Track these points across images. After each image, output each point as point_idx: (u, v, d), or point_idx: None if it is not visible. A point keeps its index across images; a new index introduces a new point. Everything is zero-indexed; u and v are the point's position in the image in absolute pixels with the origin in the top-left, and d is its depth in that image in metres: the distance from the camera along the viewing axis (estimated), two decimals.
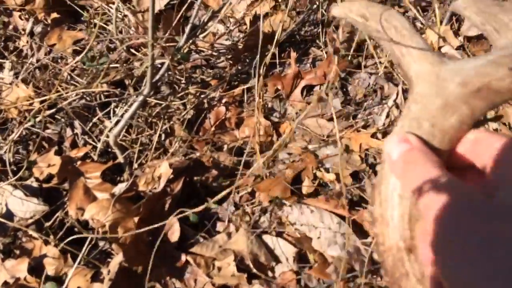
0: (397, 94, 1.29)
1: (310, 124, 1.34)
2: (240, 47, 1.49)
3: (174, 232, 1.15)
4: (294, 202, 1.17)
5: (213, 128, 1.36)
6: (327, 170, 1.24)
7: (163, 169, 1.21)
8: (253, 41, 1.35)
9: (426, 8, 1.53)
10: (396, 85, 1.33)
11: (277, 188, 1.17)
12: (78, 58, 1.25)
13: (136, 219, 1.13)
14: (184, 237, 1.16)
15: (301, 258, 1.10)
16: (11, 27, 1.66)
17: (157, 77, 1.18)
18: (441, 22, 1.44)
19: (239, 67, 1.48)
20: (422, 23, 1.47)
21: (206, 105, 1.41)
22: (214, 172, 1.30)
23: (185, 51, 1.29)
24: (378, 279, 1.03)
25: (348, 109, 1.34)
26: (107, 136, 1.22)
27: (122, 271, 1.04)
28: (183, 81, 1.41)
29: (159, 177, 1.21)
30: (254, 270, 1.05)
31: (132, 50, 1.46)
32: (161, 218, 1.16)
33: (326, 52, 1.43)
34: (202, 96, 1.40)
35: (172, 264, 1.12)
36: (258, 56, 1.25)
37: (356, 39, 1.38)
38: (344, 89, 1.39)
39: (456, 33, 1.43)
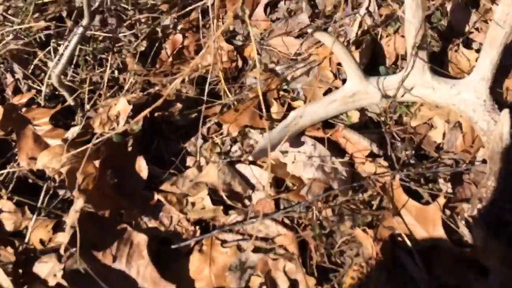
0: (369, 1, 1.19)
1: (277, 43, 1.24)
2: None
3: (141, 171, 1.06)
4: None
5: (170, 59, 1.24)
6: (297, 92, 1.16)
7: (121, 106, 1.10)
8: None
9: None
10: None
11: (244, 116, 1.08)
12: None
13: (96, 162, 1.04)
14: (153, 176, 1.08)
15: (278, 184, 1.03)
16: None
17: (96, 4, 1.04)
18: None
19: None
20: None
21: (160, 34, 1.28)
22: (178, 105, 1.20)
23: None
24: (360, 195, 0.98)
25: (317, 23, 1.23)
26: (50, 78, 1.09)
27: (88, 216, 0.96)
28: (130, 9, 1.26)
29: (117, 116, 1.10)
30: (228, 201, 0.99)
31: None
32: (124, 159, 1.08)
33: None
34: (154, 24, 1.26)
35: (144, 204, 1.04)
36: None
37: None
38: (312, 2, 1.28)
39: None
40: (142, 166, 1.05)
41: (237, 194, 1.03)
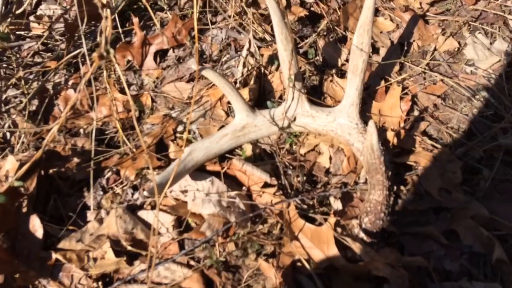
0: (250, 43, 1.28)
1: (170, 90, 1.28)
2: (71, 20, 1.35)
3: (36, 230, 1.02)
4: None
5: (64, 114, 1.23)
6: (193, 132, 1.20)
7: (9, 165, 1.06)
8: (87, 12, 1.23)
9: None
10: (247, 34, 1.32)
11: (142, 160, 1.10)
12: None
13: None
14: (50, 235, 1.04)
15: (181, 224, 1.05)
16: None
17: None
18: None
19: (80, 44, 1.35)
20: None
21: (51, 91, 1.27)
22: (74, 160, 1.18)
23: (5, 31, 1.13)
24: (260, 226, 1.02)
25: (205, 67, 1.29)
26: None
27: None
28: (20, 69, 1.25)
29: (6, 176, 1.06)
30: (129, 248, 0.98)
31: None
32: (17, 221, 1.04)
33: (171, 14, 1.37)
34: (43, 80, 1.25)
35: (42, 265, 0.99)
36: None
37: None
38: (200, 48, 1.34)
39: None
40: (36, 226, 1.01)
41: (140, 242, 1.03)
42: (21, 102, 1.25)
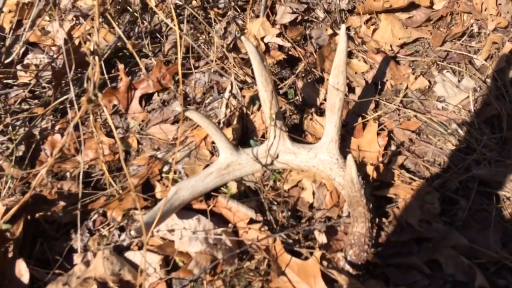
0: (232, 85, 1.34)
1: (155, 132, 1.32)
2: (58, 68, 1.40)
3: (22, 275, 1.01)
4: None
5: (50, 158, 1.24)
6: (179, 172, 1.22)
7: None
8: (75, 60, 1.28)
9: (244, 7, 1.63)
10: (229, 77, 1.38)
11: (128, 201, 1.11)
12: None
13: None
14: (36, 279, 1.03)
15: (168, 264, 1.05)
16: None
17: None
18: (257, 16, 1.54)
19: (67, 91, 1.39)
20: (243, 20, 1.56)
21: (38, 136, 1.29)
22: (61, 203, 1.18)
23: None
24: (247, 262, 1.03)
25: (190, 108, 1.34)
26: None
27: None
28: (7, 116, 1.27)
29: None
30: None
31: None
32: (4, 266, 1.03)
33: (155, 60, 1.43)
34: (30, 126, 1.27)
35: None
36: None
37: (183, 43, 1.41)
38: (184, 91, 1.39)
39: (274, 23, 1.55)
40: (22, 270, 1.00)
41: (128, 283, 1.02)
42: (7, 148, 1.26)
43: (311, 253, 1.02)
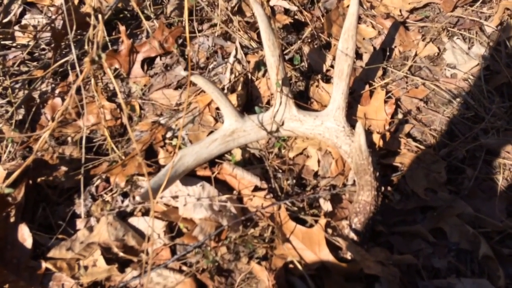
0: (236, 50, 1.30)
1: (158, 97, 1.29)
2: (57, 29, 1.35)
3: (25, 240, 1.01)
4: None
5: (52, 122, 1.22)
6: (183, 139, 1.20)
7: None
8: (74, 20, 1.23)
9: None
10: (234, 42, 1.34)
11: (132, 166, 1.10)
12: None
13: None
14: (40, 244, 1.03)
15: (172, 230, 1.05)
16: None
17: None
18: None
19: (67, 53, 1.35)
20: None
21: (38, 100, 1.26)
22: (62, 168, 1.17)
23: None
24: (251, 230, 1.03)
25: (194, 73, 1.31)
26: None
27: None
28: (6, 78, 1.24)
29: None
30: (121, 254, 0.97)
31: None
32: (6, 231, 1.02)
33: (157, 23, 1.38)
34: (30, 89, 1.24)
35: (31, 275, 0.98)
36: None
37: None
38: (186, 55, 1.36)
39: None
40: (25, 235, 1.00)
41: (131, 249, 1.02)
42: (7, 111, 1.24)
43: (316, 221, 1.01)
